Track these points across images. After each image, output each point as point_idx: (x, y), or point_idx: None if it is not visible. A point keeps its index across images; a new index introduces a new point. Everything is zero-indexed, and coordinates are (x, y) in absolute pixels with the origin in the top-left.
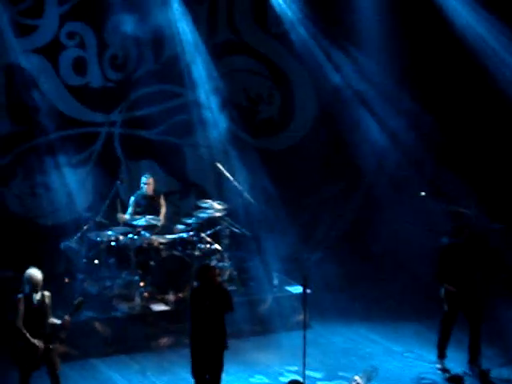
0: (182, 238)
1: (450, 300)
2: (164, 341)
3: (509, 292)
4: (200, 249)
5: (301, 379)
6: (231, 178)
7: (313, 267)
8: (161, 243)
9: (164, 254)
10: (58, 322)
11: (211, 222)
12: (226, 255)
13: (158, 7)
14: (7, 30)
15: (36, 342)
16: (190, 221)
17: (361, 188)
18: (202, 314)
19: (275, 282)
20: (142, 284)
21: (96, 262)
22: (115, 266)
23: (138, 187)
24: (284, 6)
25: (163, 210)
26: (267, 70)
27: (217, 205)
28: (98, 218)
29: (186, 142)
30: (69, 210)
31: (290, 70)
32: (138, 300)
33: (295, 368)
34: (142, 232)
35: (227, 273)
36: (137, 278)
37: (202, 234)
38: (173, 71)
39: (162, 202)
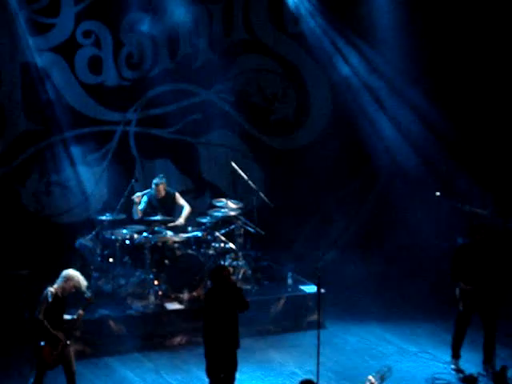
0: (196, 237)
1: (465, 300)
2: (178, 339)
3: None
4: (214, 248)
5: (314, 379)
6: (246, 177)
7: (327, 266)
8: (175, 242)
9: (178, 252)
10: (70, 317)
11: (226, 221)
12: (240, 254)
13: (174, 6)
14: (23, 29)
15: (59, 334)
16: (204, 220)
17: (376, 187)
18: (217, 313)
19: (289, 281)
20: (156, 282)
21: (111, 260)
22: (130, 264)
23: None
24: (299, 4)
25: (187, 209)
26: (282, 69)
27: (231, 204)
28: (113, 216)
29: (200, 141)
30: (84, 208)
31: (304, 68)
32: (152, 298)
33: (309, 367)
34: (157, 229)
35: (241, 272)
36: (151, 276)
37: (217, 233)
38: (188, 70)
39: (182, 201)
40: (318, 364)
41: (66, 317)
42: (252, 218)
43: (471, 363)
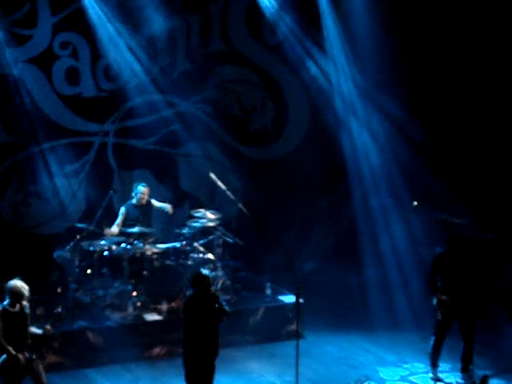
0: (175, 248)
1: (443, 309)
2: (157, 350)
3: (502, 302)
4: (193, 258)
5: None
6: (224, 188)
7: (306, 276)
8: (154, 253)
9: (157, 263)
10: (39, 331)
11: (204, 232)
12: (219, 265)
13: (151, 18)
14: (0, 41)
15: (19, 355)
16: (183, 230)
17: (354, 198)
18: (197, 321)
19: (268, 291)
20: (134, 294)
21: (89, 271)
22: (108, 275)
23: (131, 197)
24: (276, 16)
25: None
26: (260, 80)
27: (210, 214)
28: (91, 228)
29: (179, 152)
30: (62, 219)
31: (282, 79)
32: (130, 310)
33: (288, 378)
34: (135, 242)
35: (220, 282)
36: (129, 287)
37: (195, 244)
38: (166, 81)
39: (159, 203)
40: (297, 374)
41: (34, 330)
42: (231, 228)
43: (450, 373)
